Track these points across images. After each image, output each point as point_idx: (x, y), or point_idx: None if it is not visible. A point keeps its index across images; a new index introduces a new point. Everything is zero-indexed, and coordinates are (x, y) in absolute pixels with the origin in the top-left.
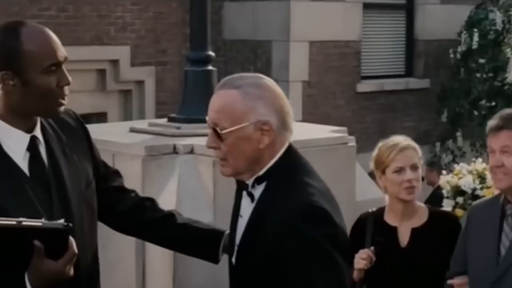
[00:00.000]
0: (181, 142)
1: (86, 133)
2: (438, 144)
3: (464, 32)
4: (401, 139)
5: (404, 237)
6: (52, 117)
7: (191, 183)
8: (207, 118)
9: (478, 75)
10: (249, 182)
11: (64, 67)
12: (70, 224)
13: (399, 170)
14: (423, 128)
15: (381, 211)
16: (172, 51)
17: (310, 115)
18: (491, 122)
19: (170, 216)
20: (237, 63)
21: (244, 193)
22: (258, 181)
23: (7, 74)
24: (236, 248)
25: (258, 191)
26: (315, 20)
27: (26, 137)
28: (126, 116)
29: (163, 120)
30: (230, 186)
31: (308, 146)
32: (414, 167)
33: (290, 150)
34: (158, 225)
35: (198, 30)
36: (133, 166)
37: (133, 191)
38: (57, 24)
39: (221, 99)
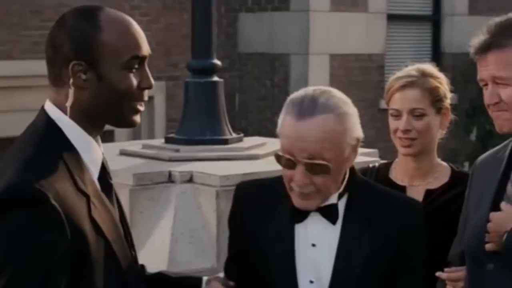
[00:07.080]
0: (178, 168)
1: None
2: (466, 164)
3: None
4: (413, 72)
5: None
6: (125, 127)
7: (189, 219)
8: (294, 148)
9: None
10: (333, 201)
11: (147, 67)
12: None
13: (395, 114)
14: (450, 147)
15: (385, 166)
16: (184, 65)
17: None
18: (475, 39)
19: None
20: (253, 77)
21: (312, 218)
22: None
23: (79, 65)
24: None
25: (338, 209)
26: (336, 32)
27: (100, 153)
28: (135, 135)
29: (160, 141)
30: None
31: None
32: (415, 113)
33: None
34: None
35: (200, 34)
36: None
37: None
38: None
39: (318, 127)
